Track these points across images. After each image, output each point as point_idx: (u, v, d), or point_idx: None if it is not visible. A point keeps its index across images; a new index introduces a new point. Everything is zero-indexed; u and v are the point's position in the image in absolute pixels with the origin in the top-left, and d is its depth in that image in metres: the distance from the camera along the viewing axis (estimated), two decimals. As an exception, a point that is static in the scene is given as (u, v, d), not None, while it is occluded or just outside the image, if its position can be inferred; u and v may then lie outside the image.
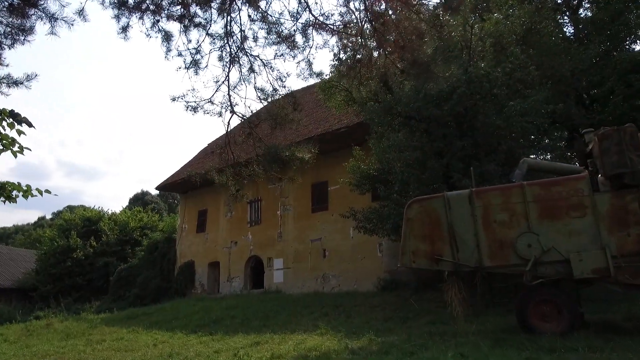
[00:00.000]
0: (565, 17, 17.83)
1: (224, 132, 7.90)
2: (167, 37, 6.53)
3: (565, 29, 17.23)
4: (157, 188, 26.19)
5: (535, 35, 13.63)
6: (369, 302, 12.48)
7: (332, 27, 6.69)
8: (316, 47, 7.36)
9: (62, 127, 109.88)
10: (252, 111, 7.91)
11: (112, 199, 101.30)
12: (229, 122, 7.63)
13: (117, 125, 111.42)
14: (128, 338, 12.11)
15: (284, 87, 7.40)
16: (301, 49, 6.96)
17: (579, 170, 7.53)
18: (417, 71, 6.57)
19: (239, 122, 8.24)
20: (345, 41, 10.82)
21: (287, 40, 6.79)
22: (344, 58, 12.64)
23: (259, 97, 7.20)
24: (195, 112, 7.26)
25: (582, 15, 17.62)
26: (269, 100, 7.54)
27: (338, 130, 17.25)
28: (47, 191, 4.02)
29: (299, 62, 7.32)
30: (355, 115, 16.88)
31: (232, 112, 7.14)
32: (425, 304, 11.53)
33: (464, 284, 7.05)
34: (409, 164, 10.76)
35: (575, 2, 17.73)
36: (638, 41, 16.97)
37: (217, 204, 23.69)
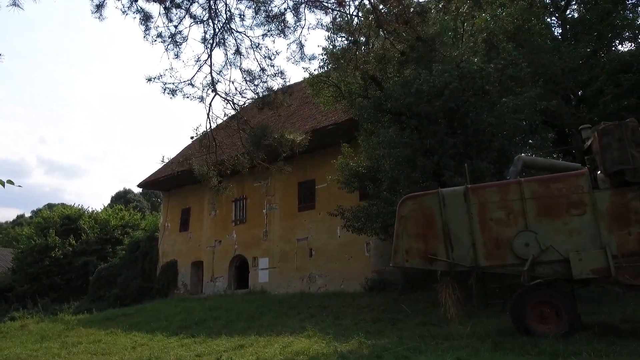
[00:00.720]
0: (554, 18, 17.77)
1: (206, 116, 7.27)
2: (146, 17, 6.06)
3: (553, 29, 17.17)
4: (139, 185, 25.55)
5: (525, 33, 13.48)
6: (357, 302, 12.16)
7: (326, 4, 6.29)
8: (308, 27, 6.96)
9: (44, 124, 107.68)
10: (238, 92, 7.34)
11: (94, 198, 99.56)
12: (210, 104, 7.07)
13: (101, 122, 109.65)
14: (106, 340, 11.61)
15: (273, 66, 6.88)
16: (292, 29, 6.53)
17: (576, 168, 7.31)
18: (421, 50, 6.20)
19: (223, 106, 7.69)
20: (340, 20, 10.50)
21: (276, 19, 6.36)
22: (338, 42, 12.34)
23: (245, 78, 6.74)
24: (173, 95, 6.74)
25: (569, 16, 17.59)
26: (256, 82, 7.05)
27: (326, 127, 16.91)
28: (10, 182, 3.58)
29: (289, 44, 6.90)
30: (344, 112, 16.58)
31: (215, 91, 6.68)
32: (414, 304, 11.26)
33: (458, 284, 6.75)
34: (399, 161, 10.46)
35: (563, 3, 17.67)
36: (626, 42, 17.01)
37: (201, 202, 23.19)
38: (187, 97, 6.95)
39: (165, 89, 6.61)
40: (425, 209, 6.69)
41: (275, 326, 10.46)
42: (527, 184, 6.58)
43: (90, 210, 32.41)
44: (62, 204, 40.69)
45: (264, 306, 13.46)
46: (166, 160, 13.94)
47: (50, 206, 50.12)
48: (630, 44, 16.99)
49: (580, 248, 6.27)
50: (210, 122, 7.06)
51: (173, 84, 6.52)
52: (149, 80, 6.51)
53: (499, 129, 10.30)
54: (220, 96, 6.81)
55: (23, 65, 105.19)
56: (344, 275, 16.39)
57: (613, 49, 17.07)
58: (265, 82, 7.27)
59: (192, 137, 7.70)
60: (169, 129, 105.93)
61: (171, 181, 23.92)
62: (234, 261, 20.97)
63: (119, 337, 11.87)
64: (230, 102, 6.94)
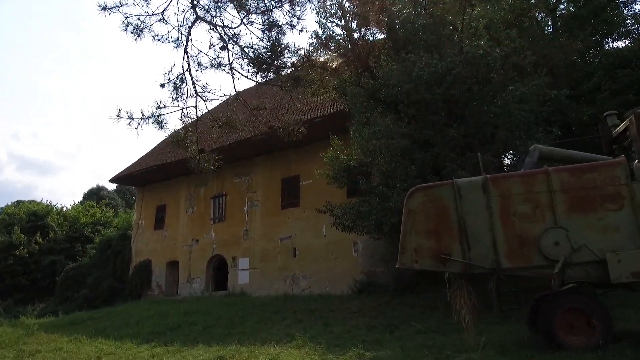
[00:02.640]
0: (544, 14, 17.26)
1: (183, 52, 5.64)
2: None
3: (545, 28, 16.65)
4: (111, 180, 24.16)
5: (526, 21, 12.82)
6: (346, 306, 11.25)
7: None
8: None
9: (16, 119, 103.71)
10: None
11: (68, 196, 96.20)
12: (188, 35, 5.52)
13: (75, 117, 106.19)
14: (68, 349, 10.42)
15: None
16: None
17: (599, 159, 6.55)
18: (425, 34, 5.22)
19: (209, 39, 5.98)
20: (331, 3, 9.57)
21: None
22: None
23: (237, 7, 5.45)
24: (139, 35, 5.33)
25: (561, 13, 17.12)
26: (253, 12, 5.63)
27: (312, 120, 15.90)
28: None
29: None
30: (332, 103, 15.67)
31: (196, 15, 5.43)
32: (408, 308, 10.42)
33: (472, 288, 5.91)
34: (396, 153, 9.60)
35: (554, 1, 17.15)
36: (622, 38, 16.60)
37: (177, 199, 21.98)
38: (159, 40, 5.45)
39: (127, 25, 5.18)
40: (437, 202, 5.82)
41: (258, 333, 9.48)
42: (555, 174, 5.77)
43: (59, 206, 30.69)
44: (34, 201, 38.67)
45: (245, 310, 12.44)
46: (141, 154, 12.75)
47: (19, 203, 47.83)
48: (625, 39, 16.63)
49: (618, 247, 5.50)
50: (188, 60, 5.47)
51: (139, 16, 5.04)
52: (104, 9, 5.02)
53: (503, 120, 9.53)
54: (205, 21, 5.29)
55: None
56: (330, 276, 15.47)
57: (607, 45, 16.69)
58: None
59: (162, 85, 6.09)
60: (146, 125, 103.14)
61: (145, 176, 22.67)
62: (212, 261, 19.84)
63: (83, 344, 10.69)
64: (218, 29, 5.33)
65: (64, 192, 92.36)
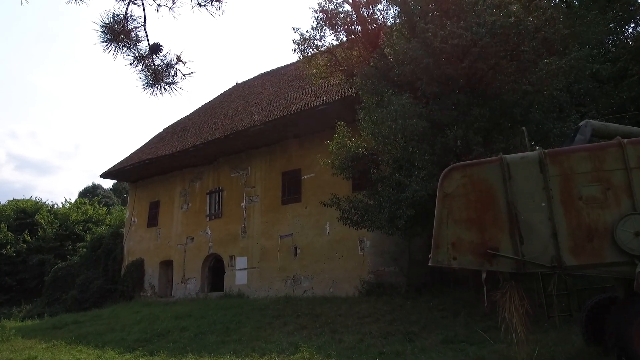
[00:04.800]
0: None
1: None
2: None
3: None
4: (102, 176, 22.92)
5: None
6: (355, 310, 10.08)
7: None
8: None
9: (14, 118, 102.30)
10: None
11: (65, 194, 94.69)
12: None
13: (73, 117, 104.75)
14: (43, 357, 9.25)
15: None
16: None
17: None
18: None
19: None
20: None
21: None
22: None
23: None
24: None
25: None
26: None
27: (315, 108, 14.75)
28: None
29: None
30: (336, 90, 14.51)
31: None
32: (425, 312, 9.27)
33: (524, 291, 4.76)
34: (414, 135, 8.43)
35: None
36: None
37: (171, 195, 20.81)
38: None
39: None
40: (481, 184, 4.64)
41: (257, 341, 8.31)
42: (633, 147, 4.60)
43: (49, 203, 29.44)
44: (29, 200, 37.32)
45: (242, 313, 11.27)
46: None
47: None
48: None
49: None
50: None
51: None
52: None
53: (536, 99, 8.38)
54: None
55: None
56: (334, 276, 14.31)
57: (630, 29, 15.62)
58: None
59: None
60: (143, 123, 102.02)
61: (138, 170, 21.51)
62: (207, 260, 18.66)
63: (60, 352, 9.53)
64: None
65: (62, 192, 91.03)
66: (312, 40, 10.97)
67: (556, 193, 4.53)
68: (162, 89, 3.45)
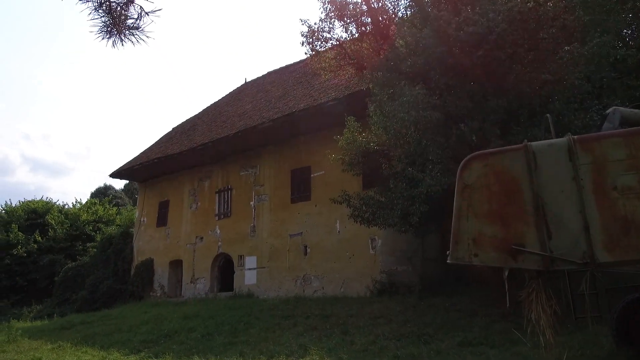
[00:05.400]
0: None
1: None
2: None
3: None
4: (112, 175, 22.85)
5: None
6: (367, 311, 9.73)
7: None
8: None
9: (27, 120, 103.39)
10: None
11: (77, 196, 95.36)
12: None
13: (85, 118, 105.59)
14: (47, 358, 9.05)
15: None
16: None
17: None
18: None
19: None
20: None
21: None
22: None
23: None
24: None
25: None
26: None
27: (325, 105, 14.43)
28: None
29: None
30: (346, 85, 14.16)
31: None
32: (440, 313, 8.88)
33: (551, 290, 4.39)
34: (427, 128, 8.07)
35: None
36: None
37: (180, 194, 20.64)
38: None
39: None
40: (504, 174, 4.25)
41: (265, 343, 8.00)
42: (673, 132, 4.21)
43: (60, 204, 29.46)
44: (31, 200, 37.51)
45: (251, 314, 10.98)
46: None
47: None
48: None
49: None
50: None
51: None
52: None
53: (557, 88, 7.97)
54: None
55: (1, 58, 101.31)
56: (345, 276, 13.97)
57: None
58: None
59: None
60: (153, 124, 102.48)
61: (147, 170, 21.37)
62: (217, 260, 18.44)
63: (65, 354, 9.32)
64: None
65: (75, 193, 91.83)
66: (320, 33, 10.65)
67: (587, 183, 4.14)
68: (124, 38, 2.74)
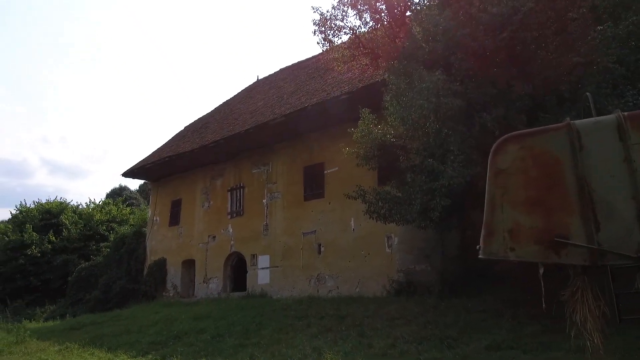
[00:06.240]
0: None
1: None
2: None
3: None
4: (124, 175, 22.67)
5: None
6: (384, 311, 9.24)
7: None
8: None
9: (45, 124, 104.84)
10: None
11: (94, 198, 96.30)
12: None
13: (101, 121, 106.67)
14: (53, 360, 8.75)
15: None
16: None
17: None
18: None
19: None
20: None
21: None
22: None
23: None
24: None
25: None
26: None
27: (338, 98, 13.97)
28: None
29: None
30: (359, 78, 13.70)
31: None
32: (463, 314, 8.36)
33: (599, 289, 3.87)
34: (448, 116, 7.56)
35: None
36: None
37: (192, 193, 20.37)
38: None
39: None
40: (544, 157, 3.72)
41: (277, 345, 7.58)
42: None
43: (74, 204, 29.45)
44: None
45: (264, 314, 10.58)
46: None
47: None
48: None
49: None
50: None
51: None
52: None
53: (588, 72, 7.39)
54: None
55: (20, 62, 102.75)
56: (360, 275, 13.50)
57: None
58: None
59: None
60: (169, 125, 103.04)
61: (160, 168, 21.15)
62: (229, 259, 18.11)
63: (72, 356, 9.03)
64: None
65: (92, 195, 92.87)
66: (333, 21, 10.19)
67: (641, 165, 3.63)
68: None
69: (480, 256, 3.82)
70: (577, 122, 3.85)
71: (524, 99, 7.57)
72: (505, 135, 3.94)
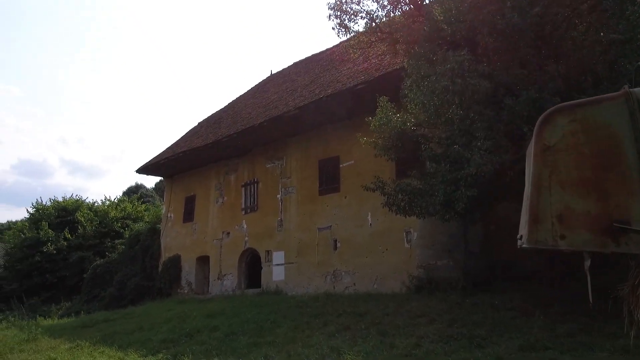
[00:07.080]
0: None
1: None
2: None
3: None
4: (138, 171, 22.49)
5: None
6: (405, 309, 8.77)
7: None
8: None
9: (63, 124, 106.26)
10: None
11: (112, 196, 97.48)
12: None
13: (118, 121, 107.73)
14: (62, 358, 8.47)
15: None
16: None
17: None
18: None
19: None
20: None
21: None
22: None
23: None
24: None
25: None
26: None
27: (354, 89, 13.48)
28: None
29: None
30: (376, 69, 13.20)
31: None
32: (490, 312, 7.85)
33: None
34: (474, 99, 7.05)
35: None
36: None
37: (206, 189, 20.10)
38: None
39: None
40: (599, 131, 3.19)
41: (292, 344, 7.17)
42: None
43: (90, 201, 29.50)
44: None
45: (278, 312, 10.19)
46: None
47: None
48: None
49: None
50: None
51: None
52: None
53: (628, 50, 6.82)
54: None
55: (36, 65, 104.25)
56: (378, 271, 13.02)
57: None
58: None
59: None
60: (184, 122, 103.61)
61: (173, 164, 20.92)
62: (244, 256, 17.78)
63: (81, 354, 8.74)
64: None
65: (110, 194, 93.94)
66: (348, 4, 9.73)
67: None
68: None
69: (523, 245, 3.33)
70: (636, 89, 3.32)
71: (556, 80, 7.03)
72: (554, 107, 3.43)
